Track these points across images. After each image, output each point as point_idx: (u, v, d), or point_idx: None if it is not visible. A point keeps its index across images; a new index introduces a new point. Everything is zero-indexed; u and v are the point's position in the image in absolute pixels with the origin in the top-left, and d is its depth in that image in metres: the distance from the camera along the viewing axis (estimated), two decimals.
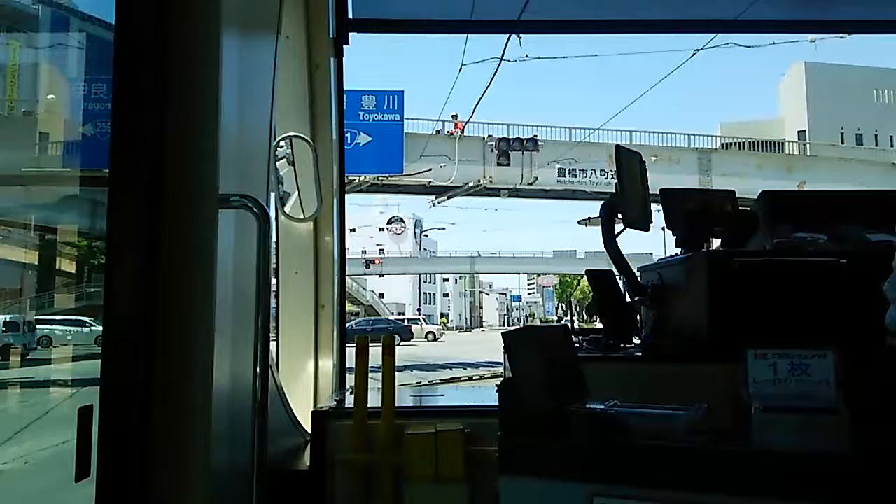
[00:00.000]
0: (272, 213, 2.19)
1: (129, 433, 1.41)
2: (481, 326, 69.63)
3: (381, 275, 42.54)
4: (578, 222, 21.99)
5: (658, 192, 2.14)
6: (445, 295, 69.85)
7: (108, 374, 1.42)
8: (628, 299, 2.16)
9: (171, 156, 1.47)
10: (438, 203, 26.82)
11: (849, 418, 1.09)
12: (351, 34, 2.73)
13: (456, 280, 68.46)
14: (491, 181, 24.89)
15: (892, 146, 34.26)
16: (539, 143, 24.86)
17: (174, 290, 1.45)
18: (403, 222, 57.27)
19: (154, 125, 1.46)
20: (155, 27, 1.47)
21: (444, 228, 53.48)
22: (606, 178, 23.65)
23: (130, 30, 1.47)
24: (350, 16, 2.73)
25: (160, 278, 1.44)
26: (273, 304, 2.62)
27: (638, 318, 2.15)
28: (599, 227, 2.09)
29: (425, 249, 58.57)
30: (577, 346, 2.04)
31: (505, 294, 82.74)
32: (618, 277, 2.19)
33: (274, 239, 2.59)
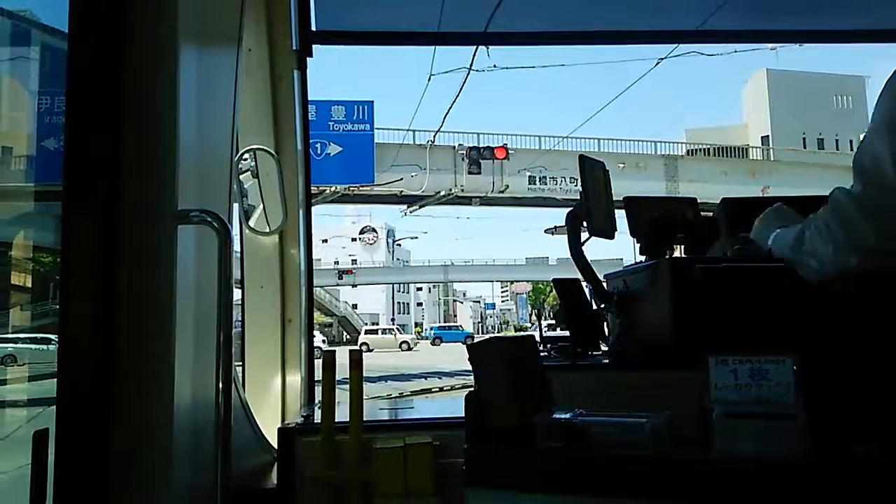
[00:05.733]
0: (235, 228, 2.16)
1: (87, 455, 1.37)
2: None
3: (355, 285, 42.29)
4: (545, 231, 22.12)
5: (622, 200, 2.17)
6: (419, 304, 69.74)
7: (64, 396, 1.38)
8: (595, 307, 2.17)
9: (128, 171, 1.44)
10: (410, 212, 26.83)
11: (807, 423, 1.11)
12: (315, 46, 2.72)
13: (429, 289, 68.44)
14: (462, 190, 24.97)
15: (851, 150, 35.20)
16: (509, 152, 25.02)
17: (132, 308, 1.42)
18: (376, 232, 57.13)
19: (110, 139, 1.43)
20: (110, 39, 1.45)
21: (416, 237, 53.52)
22: (576, 185, 23.56)
23: (85, 41, 1.44)
24: (313, 28, 2.71)
25: (118, 296, 1.41)
26: (238, 319, 2.58)
27: (605, 325, 2.17)
28: (566, 236, 2.11)
29: (398, 259, 58.48)
30: (544, 354, 2.04)
31: (479, 302, 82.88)
32: (584, 285, 2.21)
33: (238, 253, 2.55)
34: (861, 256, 1.26)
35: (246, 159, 2.51)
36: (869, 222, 1.22)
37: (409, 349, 38.87)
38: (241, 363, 2.56)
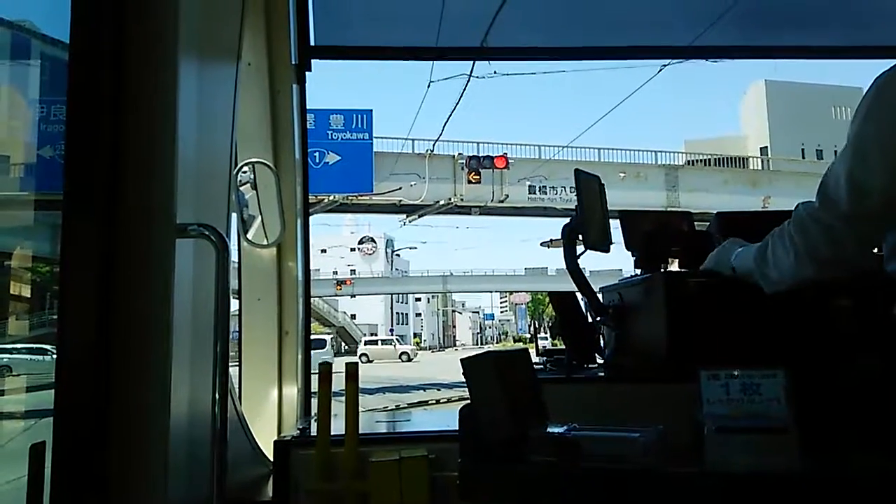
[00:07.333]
0: (233, 240, 2.17)
1: (84, 467, 1.38)
2: (455, 346, 69.47)
3: (353, 295, 42.26)
4: (541, 244, 22.13)
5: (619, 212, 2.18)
6: (418, 314, 69.66)
7: (61, 407, 1.39)
8: (591, 320, 2.18)
9: (127, 184, 1.45)
10: (409, 222, 26.82)
11: (798, 437, 1.12)
12: (314, 60, 2.74)
13: (428, 299, 68.36)
14: (462, 199, 24.98)
15: None
16: (509, 161, 25.07)
17: (130, 321, 1.43)
18: (374, 242, 57.09)
19: (109, 152, 1.44)
20: (111, 51, 1.46)
21: (415, 248, 53.55)
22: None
23: (86, 53, 1.46)
24: (312, 42, 2.73)
25: (115, 308, 1.42)
26: (235, 331, 2.58)
27: (601, 338, 2.18)
28: (562, 249, 2.12)
29: (397, 269, 58.49)
30: (540, 367, 2.05)
31: (478, 312, 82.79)
32: (580, 298, 2.22)
33: (235, 265, 2.56)
34: (818, 267, 1.34)
35: (245, 171, 2.52)
36: (824, 237, 1.30)
37: (409, 360, 38.82)
38: (237, 375, 2.56)
